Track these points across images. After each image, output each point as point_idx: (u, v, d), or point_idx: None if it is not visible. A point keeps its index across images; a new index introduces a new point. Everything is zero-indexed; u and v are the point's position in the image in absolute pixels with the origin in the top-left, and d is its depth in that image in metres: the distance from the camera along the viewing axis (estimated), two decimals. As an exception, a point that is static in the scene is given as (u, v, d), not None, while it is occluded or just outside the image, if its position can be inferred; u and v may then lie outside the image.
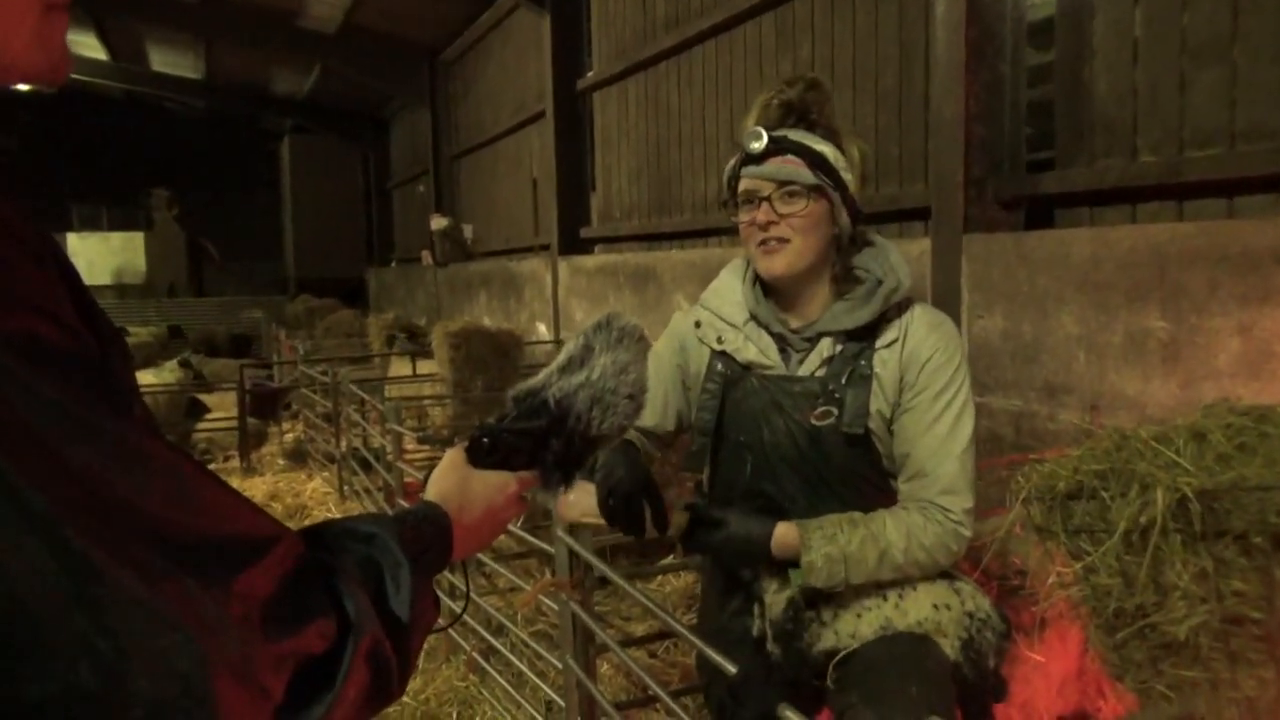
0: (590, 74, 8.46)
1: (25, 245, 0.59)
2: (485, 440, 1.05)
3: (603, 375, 1.07)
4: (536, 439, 1.05)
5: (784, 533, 1.58)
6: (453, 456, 1.05)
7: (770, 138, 1.59)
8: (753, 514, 1.62)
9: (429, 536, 0.90)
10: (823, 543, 1.55)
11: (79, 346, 0.58)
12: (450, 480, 1.02)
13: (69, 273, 0.63)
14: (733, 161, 1.67)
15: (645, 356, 1.12)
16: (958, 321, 3.76)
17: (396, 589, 0.77)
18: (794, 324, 1.71)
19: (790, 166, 1.59)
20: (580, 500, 1.61)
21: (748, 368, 1.71)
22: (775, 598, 1.64)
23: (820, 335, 1.67)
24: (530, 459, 1.06)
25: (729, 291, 1.79)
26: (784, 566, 1.61)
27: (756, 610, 1.69)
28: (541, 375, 1.10)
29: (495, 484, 1.04)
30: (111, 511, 0.55)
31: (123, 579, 0.54)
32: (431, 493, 1.01)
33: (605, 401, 1.06)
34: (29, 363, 0.54)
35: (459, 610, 1.28)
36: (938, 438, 1.59)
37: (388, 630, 0.73)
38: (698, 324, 1.80)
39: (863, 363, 1.64)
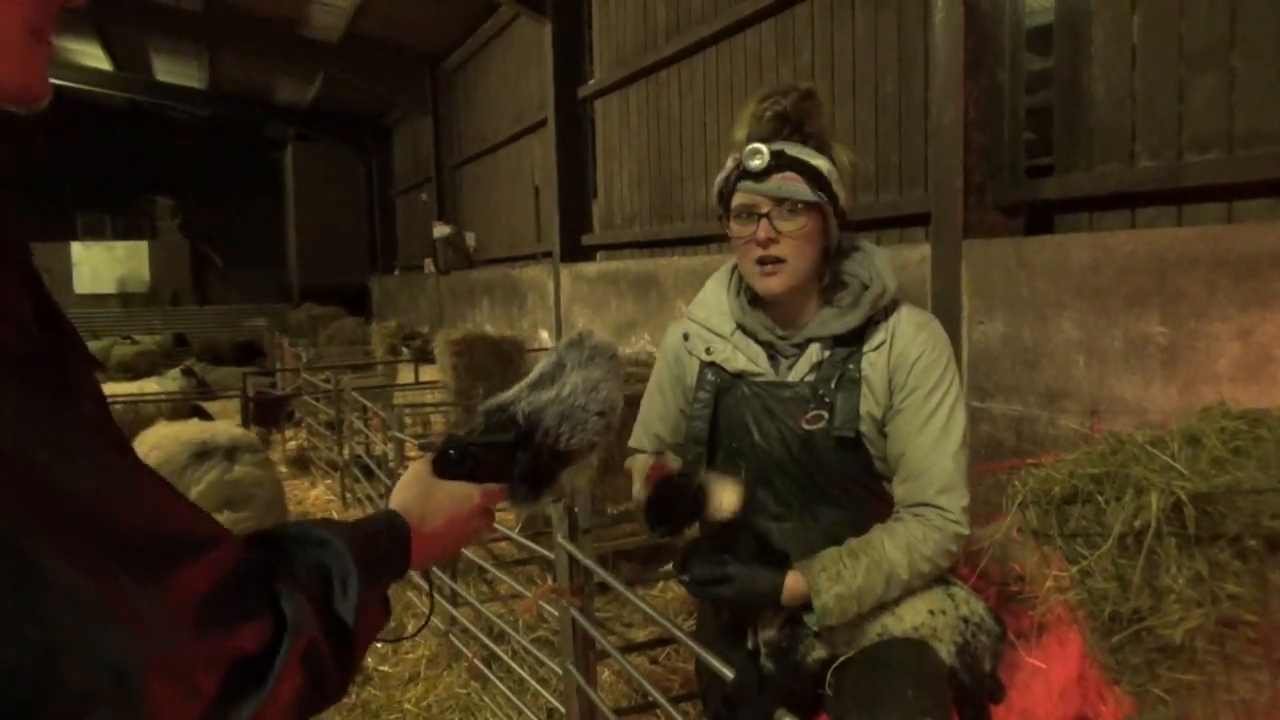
0: (591, 82, 8.48)
1: None
2: (452, 452, 1.07)
3: (573, 392, 1.09)
4: (504, 453, 1.08)
5: (793, 583, 1.56)
6: (418, 468, 1.07)
7: (770, 153, 1.57)
8: (753, 560, 1.57)
9: (384, 544, 0.92)
10: (830, 583, 1.54)
11: (31, 346, 0.59)
12: (413, 491, 1.04)
13: (30, 275, 0.64)
14: (725, 174, 1.65)
15: (617, 375, 1.14)
16: (958, 327, 3.76)
17: (344, 593, 0.79)
18: (782, 330, 1.71)
19: (791, 184, 1.58)
20: (729, 495, 1.54)
21: (738, 376, 1.72)
22: (771, 619, 1.64)
23: (809, 341, 1.67)
24: (498, 472, 1.08)
25: (715, 302, 1.79)
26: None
27: (749, 628, 1.69)
28: (512, 390, 1.12)
29: (459, 495, 1.05)
30: (47, 501, 0.55)
31: (56, 568, 0.54)
32: (394, 502, 1.02)
33: (575, 418, 1.08)
34: None
35: (460, 618, 1.29)
36: (931, 437, 1.60)
37: (329, 634, 0.74)
38: (686, 336, 1.81)
39: (851, 366, 1.64)
